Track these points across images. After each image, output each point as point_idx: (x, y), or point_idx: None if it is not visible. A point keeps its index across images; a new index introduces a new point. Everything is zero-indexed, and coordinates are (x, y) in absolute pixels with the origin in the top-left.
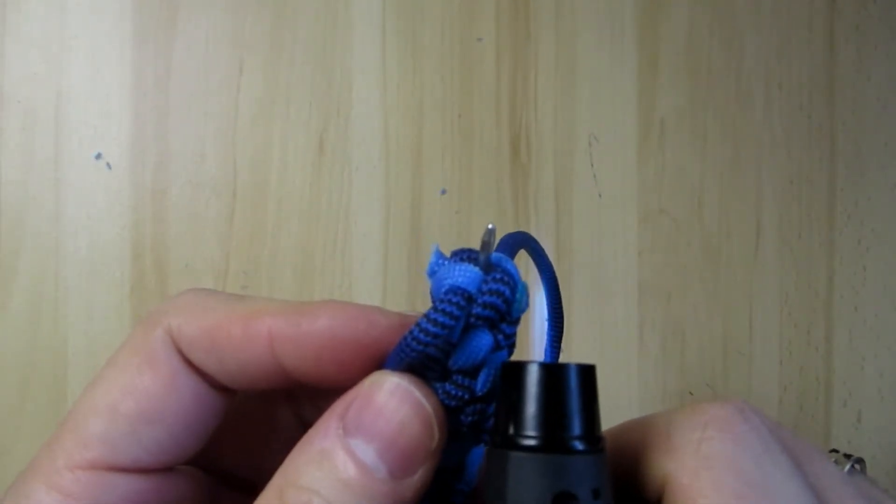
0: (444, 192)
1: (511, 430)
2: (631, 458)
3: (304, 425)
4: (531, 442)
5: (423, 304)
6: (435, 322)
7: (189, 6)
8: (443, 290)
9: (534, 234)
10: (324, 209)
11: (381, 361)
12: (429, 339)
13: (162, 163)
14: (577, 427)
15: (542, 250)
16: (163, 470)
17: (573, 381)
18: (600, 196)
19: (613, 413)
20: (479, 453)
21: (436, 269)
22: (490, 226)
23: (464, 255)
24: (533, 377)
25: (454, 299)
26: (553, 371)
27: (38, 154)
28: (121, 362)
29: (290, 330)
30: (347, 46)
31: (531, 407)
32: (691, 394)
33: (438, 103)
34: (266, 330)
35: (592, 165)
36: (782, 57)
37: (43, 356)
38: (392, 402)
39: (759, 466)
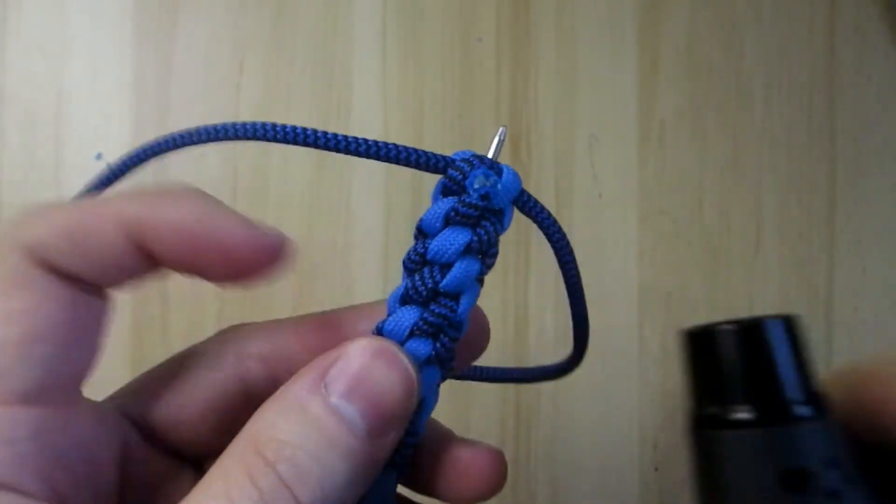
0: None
1: (715, 408)
2: (878, 398)
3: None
4: (742, 416)
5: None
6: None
7: (190, 6)
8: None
9: (534, 233)
10: (324, 209)
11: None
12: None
13: (162, 163)
14: (792, 390)
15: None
16: (64, 403)
17: (775, 338)
18: (600, 196)
19: (612, 413)
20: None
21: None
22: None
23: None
24: (728, 341)
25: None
26: (751, 330)
27: (39, 154)
28: None
29: (140, 214)
30: (347, 46)
31: (733, 377)
32: None
33: (438, 103)
34: (115, 214)
35: (592, 165)
36: (782, 57)
37: None
38: (380, 367)
39: None
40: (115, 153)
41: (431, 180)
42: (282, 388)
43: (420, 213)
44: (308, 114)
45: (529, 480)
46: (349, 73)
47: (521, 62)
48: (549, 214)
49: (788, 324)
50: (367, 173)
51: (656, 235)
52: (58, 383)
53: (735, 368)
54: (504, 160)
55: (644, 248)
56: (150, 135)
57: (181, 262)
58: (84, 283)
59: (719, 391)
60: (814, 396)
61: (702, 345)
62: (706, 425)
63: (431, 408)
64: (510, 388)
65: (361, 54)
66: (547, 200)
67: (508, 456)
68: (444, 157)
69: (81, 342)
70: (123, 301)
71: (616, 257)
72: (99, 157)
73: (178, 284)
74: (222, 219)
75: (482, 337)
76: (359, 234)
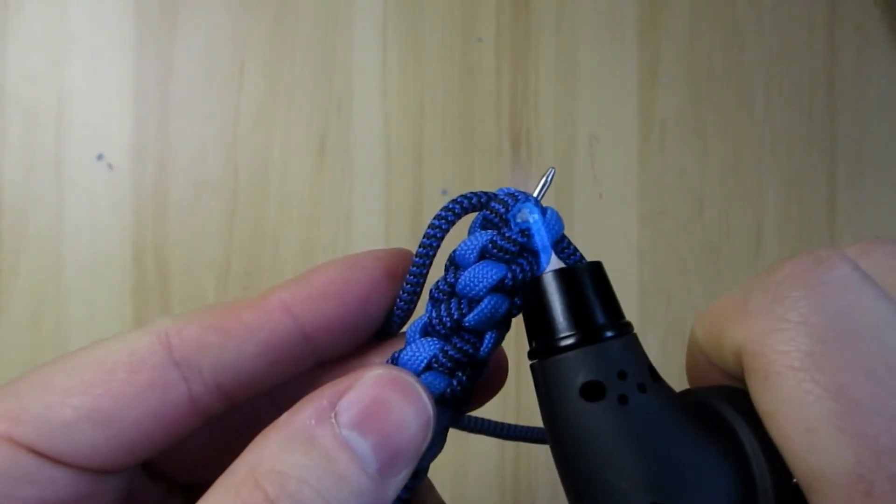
0: (445, 192)
1: (533, 343)
2: (716, 333)
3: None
4: (560, 343)
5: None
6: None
7: (190, 7)
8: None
9: None
10: (325, 209)
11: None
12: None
13: (163, 163)
14: (592, 319)
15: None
16: (89, 470)
17: (585, 279)
18: (600, 196)
19: None
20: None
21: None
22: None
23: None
24: (532, 291)
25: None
26: (568, 273)
27: (40, 155)
28: (100, 352)
29: (300, 290)
30: (348, 47)
31: (552, 312)
32: None
33: (439, 103)
34: (278, 299)
35: (593, 166)
36: (782, 57)
37: (44, 357)
38: (396, 399)
39: (842, 319)
40: (116, 153)
41: (432, 183)
42: (286, 415)
43: (420, 215)
44: (309, 114)
45: (530, 481)
46: (349, 73)
47: (521, 62)
48: None
49: (596, 268)
50: (367, 174)
51: (656, 235)
52: (84, 463)
53: (554, 306)
54: (504, 160)
55: (644, 248)
56: (151, 135)
57: (338, 319)
58: (203, 392)
59: (544, 326)
60: (615, 323)
61: (531, 292)
62: (534, 357)
63: (437, 452)
64: (511, 384)
65: (361, 54)
66: (547, 200)
67: (509, 455)
68: (486, 193)
69: (142, 444)
70: (124, 302)
71: (616, 257)
72: (100, 157)
73: (179, 285)
74: (361, 261)
75: (498, 379)
76: (359, 235)
